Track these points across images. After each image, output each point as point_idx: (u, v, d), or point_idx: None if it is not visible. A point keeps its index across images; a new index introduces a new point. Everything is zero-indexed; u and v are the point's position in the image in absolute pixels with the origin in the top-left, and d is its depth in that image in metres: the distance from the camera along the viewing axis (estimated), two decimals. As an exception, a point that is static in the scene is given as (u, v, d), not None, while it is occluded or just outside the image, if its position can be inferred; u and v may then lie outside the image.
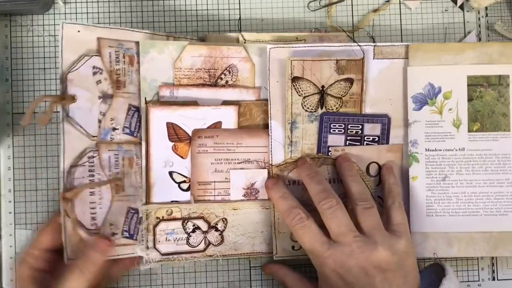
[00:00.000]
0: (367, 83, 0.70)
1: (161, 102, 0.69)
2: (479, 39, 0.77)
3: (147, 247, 0.69)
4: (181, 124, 0.69)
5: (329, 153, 0.70)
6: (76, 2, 0.75)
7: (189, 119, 0.69)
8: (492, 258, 0.76)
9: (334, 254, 0.62)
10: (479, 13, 0.77)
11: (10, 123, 0.73)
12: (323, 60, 0.69)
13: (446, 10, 0.77)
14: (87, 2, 0.75)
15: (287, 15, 0.76)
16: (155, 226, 0.69)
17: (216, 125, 0.70)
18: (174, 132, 0.69)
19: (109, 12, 0.75)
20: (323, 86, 0.70)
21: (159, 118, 0.68)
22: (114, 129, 0.69)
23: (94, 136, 0.69)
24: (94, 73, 0.69)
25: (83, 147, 0.69)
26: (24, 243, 0.72)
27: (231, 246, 0.70)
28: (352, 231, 0.63)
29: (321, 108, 0.70)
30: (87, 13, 0.75)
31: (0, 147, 0.73)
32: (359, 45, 0.70)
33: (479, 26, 0.77)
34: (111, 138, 0.69)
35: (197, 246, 0.70)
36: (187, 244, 0.69)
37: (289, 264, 0.72)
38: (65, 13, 0.74)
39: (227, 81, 0.70)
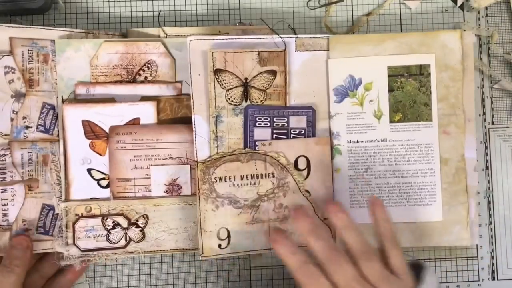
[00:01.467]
0: (291, 75, 0.70)
1: (76, 100, 0.69)
2: (479, 39, 0.76)
3: (67, 244, 0.69)
4: (97, 121, 0.69)
5: (256, 147, 0.69)
6: (76, 2, 0.75)
7: (106, 116, 0.69)
8: (492, 258, 0.75)
9: None
10: (479, 13, 0.76)
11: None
12: (245, 51, 0.69)
13: (446, 10, 0.76)
14: (87, 2, 0.75)
15: (286, 15, 0.75)
16: (74, 223, 0.69)
17: (135, 122, 0.70)
18: (91, 130, 0.69)
19: (109, 12, 0.75)
20: (246, 79, 0.69)
21: (74, 116, 0.69)
22: (27, 127, 0.70)
23: (6, 135, 0.70)
24: (6, 73, 0.70)
25: None
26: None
27: (152, 243, 0.70)
28: (361, 284, 0.60)
29: (246, 101, 0.69)
30: (87, 13, 0.75)
31: None
32: (281, 37, 0.69)
33: (479, 26, 0.76)
34: (24, 136, 0.70)
35: (118, 242, 0.70)
36: (107, 240, 0.70)
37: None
38: (65, 13, 0.75)
39: (146, 77, 0.70)
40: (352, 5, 0.76)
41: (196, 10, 0.75)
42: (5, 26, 0.70)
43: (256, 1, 0.76)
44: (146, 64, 0.70)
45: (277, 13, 0.75)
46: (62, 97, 0.69)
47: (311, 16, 0.75)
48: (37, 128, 0.70)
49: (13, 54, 0.70)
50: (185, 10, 0.75)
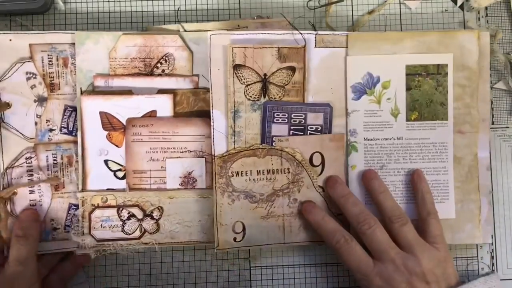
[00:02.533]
0: (309, 72, 0.70)
1: (95, 92, 0.69)
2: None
3: (83, 233, 0.69)
4: (115, 113, 0.69)
5: (273, 143, 0.69)
6: (76, 2, 0.75)
7: (123, 108, 0.69)
8: (492, 258, 0.75)
9: (380, 272, 0.64)
10: (479, 13, 0.76)
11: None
12: (265, 47, 0.69)
13: (446, 10, 0.76)
14: (87, 2, 0.75)
15: (286, 15, 0.74)
16: (90, 213, 0.70)
17: (151, 114, 0.70)
18: (108, 121, 0.69)
19: (109, 12, 0.75)
20: (265, 74, 0.69)
21: (92, 107, 0.69)
22: (51, 130, 0.71)
23: (31, 138, 0.71)
24: (28, 79, 0.71)
25: (20, 149, 0.71)
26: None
27: (167, 235, 0.71)
28: (393, 248, 0.65)
29: (264, 97, 0.69)
30: (87, 13, 0.75)
31: None
32: (301, 33, 0.69)
33: (479, 26, 0.76)
34: (49, 139, 0.71)
35: (132, 233, 0.70)
36: (122, 231, 0.70)
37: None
38: (65, 13, 0.75)
39: (163, 70, 0.70)
40: (352, 5, 0.76)
41: (192, 10, 0.76)
42: (25, 33, 0.70)
43: (256, 1, 0.75)
44: (164, 57, 0.70)
45: (277, 13, 0.75)
46: (80, 88, 0.69)
47: (311, 16, 0.75)
48: (60, 130, 0.71)
49: (33, 60, 0.70)
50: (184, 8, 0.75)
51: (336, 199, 0.69)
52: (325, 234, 0.67)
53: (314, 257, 0.75)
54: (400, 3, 0.76)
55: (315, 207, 0.69)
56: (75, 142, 0.70)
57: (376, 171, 0.70)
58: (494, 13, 0.76)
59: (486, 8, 0.76)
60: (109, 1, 0.75)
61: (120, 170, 0.70)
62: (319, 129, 0.70)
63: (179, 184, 0.71)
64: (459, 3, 0.76)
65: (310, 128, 0.70)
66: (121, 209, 0.70)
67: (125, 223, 0.70)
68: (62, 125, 0.71)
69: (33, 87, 0.71)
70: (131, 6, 0.75)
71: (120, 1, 0.75)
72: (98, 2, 0.75)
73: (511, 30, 0.76)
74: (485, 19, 0.76)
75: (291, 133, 0.70)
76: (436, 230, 0.67)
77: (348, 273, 0.75)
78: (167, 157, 0.70)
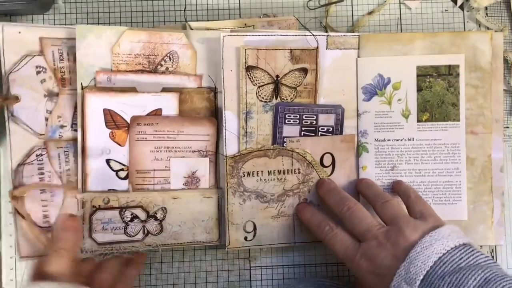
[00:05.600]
0: (321, 73, 0.69)
1: (98, 88, 0.67)
2: None
3: (83, 237, 0.67)
4: (119, 111, 0.67)
5: (284, 144, 0.69)
6: (76, 2, 0.74)
7: (128, 106, 0.67)
8: (492, 258, 0.74)
9: (364, 253, 0.61)
10: (479, 13, 0.76)
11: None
12: (278, 49, 0.68)
13: (446, 10, 0.76)
14: (87, 2, 0.74)
15: (286, 15, 0.74)
16: (91, 215, 0.67)
17: (156, 112, 0.68)
18: (112, 119, 0.67)
19: (109, 12, 0.74)
20: (277, 76, 0.68)
21: (96, 104, 0.67)
22: (62, 126, 0.69)
23: (41, 135, 0.69)
24: (38, 72, 0.69)
25: (30, 145, 0.69)
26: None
27: (170, 236, 0.69)
28: (374, 225, 0.62)
29: (276, 98, 0.69)
30: (87, 13, 0.74)
31: (0, 147, 0.72)
32: (313, 35, 0.68)
33: (479, 26, 0.75)
34: (59, 135, 0.69)
35: (135, 235, 0.68)
36: (124, 233, 0.68)
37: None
38: (65, 13, 0.74)
39: (167, 68, 0.69)
40: (352, 5, 0.75)
41: (192, 10, 0.74)
42: (35, 26, 0.69)
43: (256, 1, 0.75)
44: (168, 55, 0.68)
45: (277, 13, 0.75)
46: (81, 84, 0.67)
47: (311, 16, 0.75)
48: (71, 127, 0.69)
49: (44, 54, 0.68)
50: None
51: (322, 196, 0.68)
52: (314, 228, 0.66)
53: (314, 257, 0.74)
54: (400, 3, 0.76)
55: (306, 206, 0.69)
56: (88, 140, 0.68)
57: (387, 172, 0.70)
58: (494, 13, 0.76)
59: (486, 8, 0.76)
60: (109, 1, 0.74)
61: (122, 170, 0.68)
62: (330, 130, 0.69)
63: (183, 184, 0.69)
64: (459, 3, 0.75)
65: (321, 129, 0.69)
66: (123, 210, 0.68)
67: (128, 225, 0.68)
68: (74, 122, 0.69)
69: (43, 81, 0.69)
70: (131, 6, 0.74)
71: (120, 1, 0.74)
72: (98, 2, 0.74)
73: (511, 30, 0.76)
74: (485, 19, 0.75)
75: (302, 134, 0.69)
76: (419, 206, 0.64)
77: (348, 273, 0.74)
78: (171, 157, 0.68)
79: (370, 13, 0.75)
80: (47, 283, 0.58)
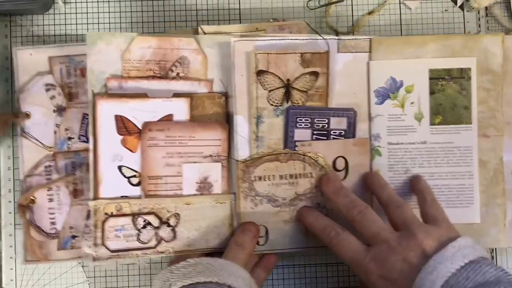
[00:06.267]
0: (332, 77, 0.69)
1: (109, 94, 0.67)
2: None
3: (95, 244, 0.66)
4: (131, 117, 0.67)
5: (296, 148, 0.69)
6: (76, 2, 0.74)
7: (139, 112, 0.67)
8: (493, 258, 0.75)
9: (373, 257, 0.60)
10: (479, 13, 0.76)
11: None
12: (288, 53, 0.68)
13: (446, 10, 0.76)
14: (87, 2, 0.74)
15: (286, 15, 0.74)
16: (103, 222, 0.67)
17: (167, 118, 0.68)
18: (123, 125, 0.67)
19: (109, 12, 0.74)
20: (288, 80, 0.68)
21: (107, 110, 0.66)
22: (69, 138, 0.71)
23: (50, 147, 0.71)
24: (47, 90, 0.71)
25: (39, 158, 0.71)
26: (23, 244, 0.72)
27: (184, 242, 0.68)
28: (385, 229, 0.61)
29: (287, 102, 0.69)
30: (87, 13, 0.74)
31: (0, 147, 0.72)
32: (324, 38, 0.68)
33: (479, 26, 0.76)
34: (67, 147, 0.71)
35: (148, 242, 0.67)
36: (137, 240, 0.67)
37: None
38: (65, 13, 0.74)
39: (178, 73, 0.68)
40: (352, 5, 0.75)
41: (192, 10, 0.75)
42: (45, 47, 0.72)
43: (256, 1, 0.75)
44: (179, 60, 0.68)
45: (277, 13, 0.75)
46: (92, 90, 0.67)
47: (311, 16, 0.75)
48: (79, 138, 0.71)
49: (52, 72, 0.71)
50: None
51: (329, 196, 0.67)
52: (318, 232, 0.66)
53: (314, 257, 0.74)
54: (400, 3, 0.76)
55: (309, 210, 0.69)
56: (94, 150, 0.69)
57: (401, 175, 0.70)
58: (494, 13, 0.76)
59: (486, 8, 0.76)
60: (109, 1, 0.74)
61: (134, 176, 0.68)
62: (342, 134, 0.69)
63: (196, 190, 0.68)
64: (459, 3, 0.76)
65: (333, 132, 0.69)
66: (136, 217, 0.67)
67: (141, 232, 0.67)
68: (81, 133, 0.70)
69: (52, 97, 0.71)
70: (130, 6, 0.74)
71: (120, 1, 0.74)
72: (98, 2, 0.74)
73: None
74: (485, 19, 0.76)
75: (314, 138, 0.69)
76: (433, 210, 0.64)
77: (348, 273, 0.74)
78: (183, 162, 0.68)
79: (370, 13, 0.75)
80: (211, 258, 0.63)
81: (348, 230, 0.64)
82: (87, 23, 0.74)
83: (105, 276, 0.72)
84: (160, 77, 0.68)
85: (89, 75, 0.67)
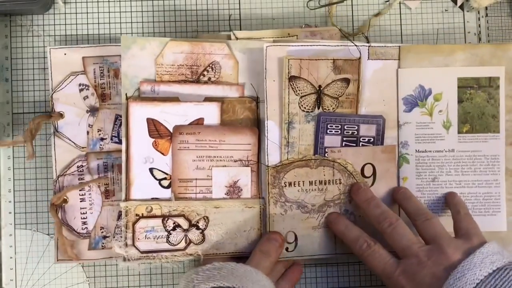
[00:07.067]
0: (362, 84, 0.70)
1: (141, 98, 0.68)
2: (479, 39, 0.76)
3: (126, 245, 0.67)
4: (162, 120, 0.68)
5: (326, 154, 0.69)
6: (76, 2, 0.75)
7: (170, 115, 0.68)
8: None
9: (403, 270, 0.61)
10: (479, 13, 0.76)
11: (10, 123, 0.73)
12: (320, 59, 0.69)
13: (446, 10, 0.76)
14: (87, 2, 0.74)
15: (287, 15, 0.75)
16: (134, 223, 0.68)
17: (198, 122, 0.68)
18: (155, 128, 0.68)
19: (109, 12, 0.75)
20: (320, 86, 0.69)
21: (139, 114, 0.67)
22: (102, 139, 0.71)
23: (83, 147, 0.72)
24: (81, 90, 0.72)
25: (72, 158, 0.71)
26: (24, 243, 0.73)
27: (212, 245, 0.69)
28: (416, 242, 0.62)
29: (318, 108, 0.69)
30: (87, 13, 0.74)
31: (0, 147, 0.73)
32: (356, 45, 0.69)
33: (479, 26, 0.76)
34: (100, 147, 0.71)
35: (177, 244, 0.68)
36: (167, 242, 0.68)
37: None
38: (65, 13, 0.74)
39: (209, 78, 0.69)
40: (352, 5, 0.76)
41: (192, 10, 0.75)
42: (78, 47, 0.72)
43: (256, 1, 0.75)
44: (210, 65, 0.69)
45: (277, 13, 0.75)
46: (126, 94, 0.68)
47: (311, 17, 0.75)
48: (111, 139, 0.71)
49: (86, 72, 0.72)
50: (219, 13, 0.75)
51: (360, 204, 0.68)
52: (349, 242, 0.66)
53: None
54: (400, 3, 0.76)
55: (339, 217, 0.69)
56: (125, 151, 0.70)
57: (428, 183, 0.70)
58: (494, 13, 0.76)
59: (486, 8, 0.76)
60: (109, 1, 0.75)
61: (165, 178, 0.69)
62: (371, 141, 0.70)
63: (225, 194, 0.69)
64: (459, 3, 0.76)
65: (362, 139, 0.69)
66: (166, 219, 0.68)
67: (170, 234, 0.68)
68: (113, 134, 0.71)
69: (85, 98, 0.71)
70: (130, 6, 0.75)
71: (120, 1, 0.75)
72: (98, 2, 0.74)
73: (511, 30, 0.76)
74: (485, 19, 0.76)
75: (343, 144, 0.69)
76: (465, 224, 0.64)
77: (348, 273, 0.74)
78: (213, 166, 0.69)
79: (376, 15, 0.75)
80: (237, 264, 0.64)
81: (378, 241, 0.64)
82: (87, 23, 0.74)
83: (105, 276, 0.73)
84: (192, 82, 0.69)
85: (123, 79, 0.68)
